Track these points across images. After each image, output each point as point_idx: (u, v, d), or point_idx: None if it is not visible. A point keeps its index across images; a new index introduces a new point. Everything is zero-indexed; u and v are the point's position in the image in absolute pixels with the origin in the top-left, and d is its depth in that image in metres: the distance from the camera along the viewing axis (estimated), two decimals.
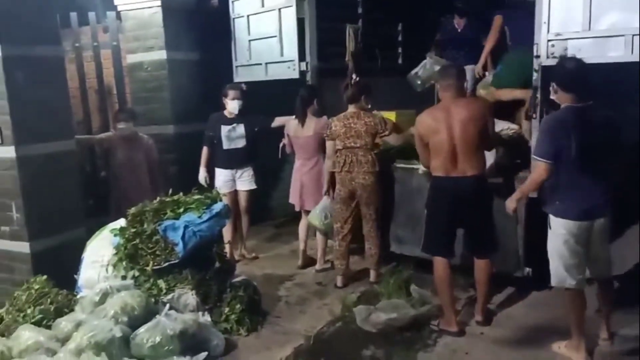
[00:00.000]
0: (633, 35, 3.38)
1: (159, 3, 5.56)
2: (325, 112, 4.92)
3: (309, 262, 5.00)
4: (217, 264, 3.87)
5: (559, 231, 3.13)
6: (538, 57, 3.73)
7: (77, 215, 4.58)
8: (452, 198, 3.59)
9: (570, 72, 3.10)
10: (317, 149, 4.80)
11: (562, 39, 3.61)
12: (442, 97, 3.71)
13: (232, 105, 5.10)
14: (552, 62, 3.64)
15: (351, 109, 4.46)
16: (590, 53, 3.49)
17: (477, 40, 5.52)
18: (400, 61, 6.66)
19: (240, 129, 5.14)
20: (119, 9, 5.80)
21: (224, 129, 5.12)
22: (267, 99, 5.36)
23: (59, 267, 4.04)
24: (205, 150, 5.23)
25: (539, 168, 3.10)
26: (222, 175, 5.18)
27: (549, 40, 3.65)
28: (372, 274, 4.53)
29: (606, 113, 3.13)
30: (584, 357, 3.24)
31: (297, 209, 4.97)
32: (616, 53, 3.45)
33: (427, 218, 3.77)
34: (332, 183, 4.60)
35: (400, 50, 6.65)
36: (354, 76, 4.51)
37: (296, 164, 4.94)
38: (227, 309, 3.75)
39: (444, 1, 6.46)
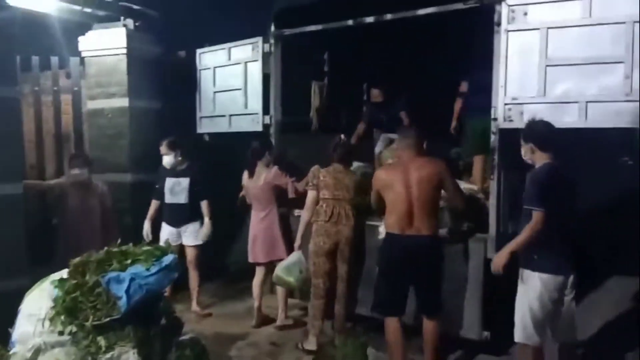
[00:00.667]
0: (587, 102, 3.48)
1: (124, 51, 5.53)
2: (283, 163, 4.90)
3: (264, 320, 4.80)
4: (163, 321, 3.62)
5: (534, 286, 3.15)
6: (495, 119, 3.79)
7: (20, 263, 4.31)
8: (406, 256, 3.57)
9: (546, 132, 3.25)
10: (269, 199, 4.74)
11: (519, 103, 3.69)
12: (400, 156, 3.78)
13: (164, 160, 5.05)
14: (508, 124, 3.72)
15: (337, 166, 4.44)
16: (546, 118, 3.56)
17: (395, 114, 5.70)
18: None
19: (185, 183, 5.02)
20: (83, 54, 5.74)
21: (168, 182, 5.02)
22: (233, 150, 5.32)
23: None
24: (153, 203, 5.12)
25: (536, 217, 3.09)
26: (166, 229, 5.05)
27: (506, 104, 3.73)
28: (337, 336, 4.30)
29: (571, 172, 3.31)
30: None
31: (250, 260, 4.82)
32: (570, 119, 3.53)
33: (379, 276, 3.75)
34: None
35: (364, 109, 6.70)
36: (342, 136, 4.62)
37: (252, 216, 4.83)
38: None
39: (408, 63, 6.72)
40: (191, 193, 5.02)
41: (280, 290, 4.71)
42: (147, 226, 5.07)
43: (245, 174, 4.86)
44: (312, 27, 4.97)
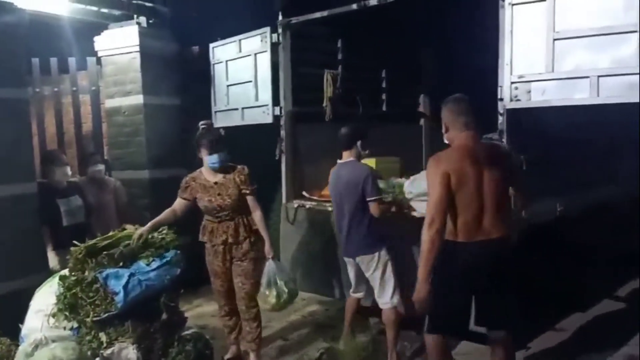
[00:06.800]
0: (598, 76, 3.22)
1: (137, 48, 5.57)
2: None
3: None
4: (164, 316, 3.62)
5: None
6: (502, 99, 3.58)
7: (38, 260, 4.42)
8: (474, 267, 2.94)
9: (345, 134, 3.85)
10: None
11: (526, 80, 3.46)
12: (453, 139, 3.00)
13: (58, 175, 4.53)
14: (515, 104, 3.50)
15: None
16: (555, 95, 3.35)
17: None
18: (384, 108, 6.55)
19: (78, 200, 4.60)
20: (99, 54, 5.83)
21: (62, 203, 4.51)
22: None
23: (14, 315, 3.84)
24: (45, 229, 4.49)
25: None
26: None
27: (512, 83, 3.51)
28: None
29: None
30: None
31: None
32: (581, 95, 3.28)
33: (438, 292, 2.98)
34: None
35: (384, 96, 6.54)
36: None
37: None
38: None
39: (431, 47, 6.52)
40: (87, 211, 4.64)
41: None
42: (53, 256, 4.46)
43: None
44: (317, 14, 4.86)
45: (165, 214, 3.88)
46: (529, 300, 3.50)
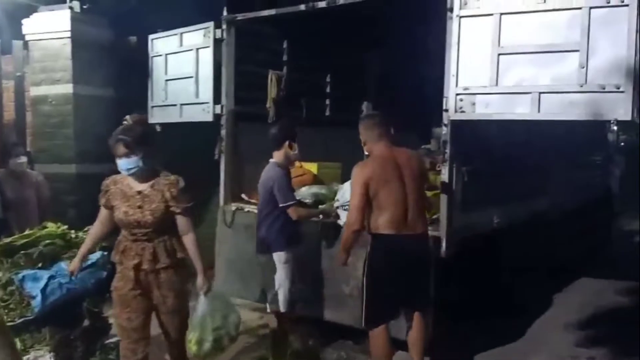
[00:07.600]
0: (540, 92, 3.28)
1: (68, 34, 5.24)
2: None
3: None
4: (86, 322, 3.38)
5: None
6: (447, 110, 3.59)
7: None
8: (404, 258, 3.32)
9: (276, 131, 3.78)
10: None
11: (471, 93, 3.49)
12: (372, 149, 3.48)
13: None
14: (460, 116, 3.53)
15: None
16: (498, 109, 3.39)
17: None
18: (327, 112, 6.49)
19: None
20: (27, 38, 5.45)
21: None
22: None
23: None
24: None
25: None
26: None
27: (457, 94, 3.52)
28: None
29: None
30: None
31: None
32: (523, 110, 3.33)
33: (373, 284, 3.38)
34: None
35: (327, 101, 6.48)
36: None
37: None
38: None
39: (376, 53, 6.54)
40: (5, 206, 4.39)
41: None
42: None
43: None
44: (265, 12, 4.73)
45: (93, 234, 3.20)
46: (468, 307, 3.60)
